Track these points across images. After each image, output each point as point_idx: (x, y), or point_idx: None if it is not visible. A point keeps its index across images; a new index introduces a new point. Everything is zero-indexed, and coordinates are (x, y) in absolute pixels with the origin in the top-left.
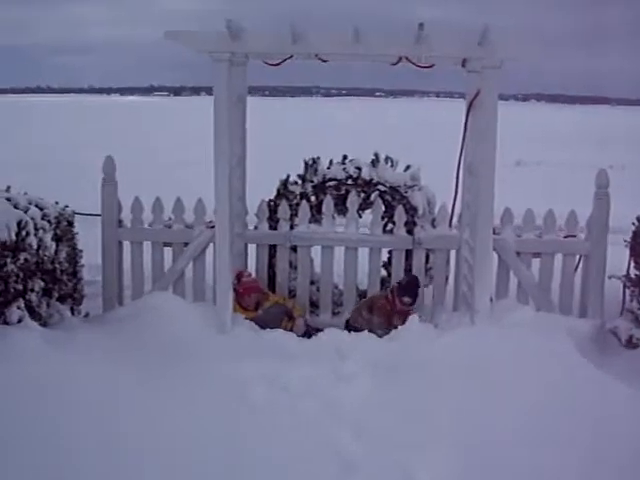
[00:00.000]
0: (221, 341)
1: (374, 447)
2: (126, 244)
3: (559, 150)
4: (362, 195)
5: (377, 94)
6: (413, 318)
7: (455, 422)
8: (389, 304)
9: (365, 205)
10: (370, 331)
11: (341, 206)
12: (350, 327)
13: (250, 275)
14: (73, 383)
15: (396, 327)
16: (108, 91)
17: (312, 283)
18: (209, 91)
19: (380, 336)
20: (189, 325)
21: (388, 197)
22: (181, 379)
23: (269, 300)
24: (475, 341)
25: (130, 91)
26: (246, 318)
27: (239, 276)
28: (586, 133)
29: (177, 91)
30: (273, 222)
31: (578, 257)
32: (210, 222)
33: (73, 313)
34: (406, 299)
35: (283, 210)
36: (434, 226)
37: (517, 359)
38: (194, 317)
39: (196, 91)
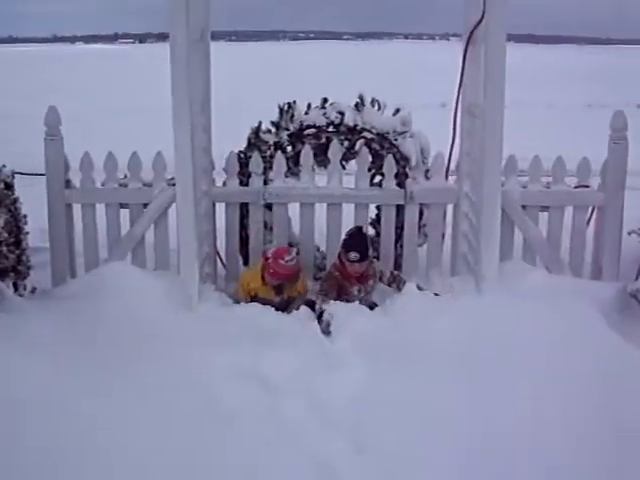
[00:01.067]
0: (187, 321)
1: (374, 463)
2: (76, 207)
3: (548, 91)
4: (345, 144)
5: (345, 37)
6: (410, 287)
7: (473, 426)
8: (338, 270)
9: (349, 155)
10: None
11: (322, 157)
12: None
13: (294, 259)
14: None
15: (361, 299)
16: (72, 40)
17: (290, 246)
18: None
19: None
20: (150, 302)
21: (375, 145)
22: (136, 378)
23: (296, 290)
24: (485, 314)
25: (94, 39)
26: (253, 297)
27: (281, 253)
28: (570, 72)
29: (142, 38)
30: (244, 177)
31: (590, 209)
32: (172, 179)
33: (17, 289)
34: (352, 254)
35: (255, 163)
36: (428, 178)
37: (538, 336)
38: (155, 291)
39: (162, 37)
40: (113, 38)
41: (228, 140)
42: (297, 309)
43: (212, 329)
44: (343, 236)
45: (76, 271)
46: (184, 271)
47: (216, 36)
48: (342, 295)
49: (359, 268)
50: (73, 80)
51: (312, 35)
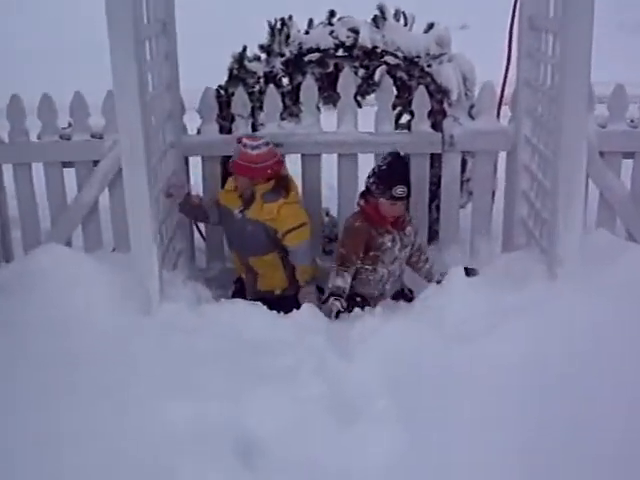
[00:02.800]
0: (139, 336)
1: None
2: (7, 168)
3: None
4: (361, 72)
5: None
6: (457, 271)
7: None
8: (365, 216)
9: (366, 88)
10: (356, 279)
11: (329, 91)
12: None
13: (260, 146)
14: None
15: (394, 259)
16: None
17: None
18: None
19: (370, 284)
20: (94, 303)
21: (402, 74)
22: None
23: (271, 212)
24: (571, 323)
25: None
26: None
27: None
28: None
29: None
30: (226, 122)
31: None
32: None
33: None
34: (398, 189)
35: (240, 101)
36: (472, 117)
37: None
38: (103, 287)
39: None
40: None
41: (205, 72)
42: (308, 299)
43: (172, 350)
44: (374, 167)
45: (13, 252)
46: (140, 263)
47: None
48: (370, 252)
49: (400, 209)
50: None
51: None
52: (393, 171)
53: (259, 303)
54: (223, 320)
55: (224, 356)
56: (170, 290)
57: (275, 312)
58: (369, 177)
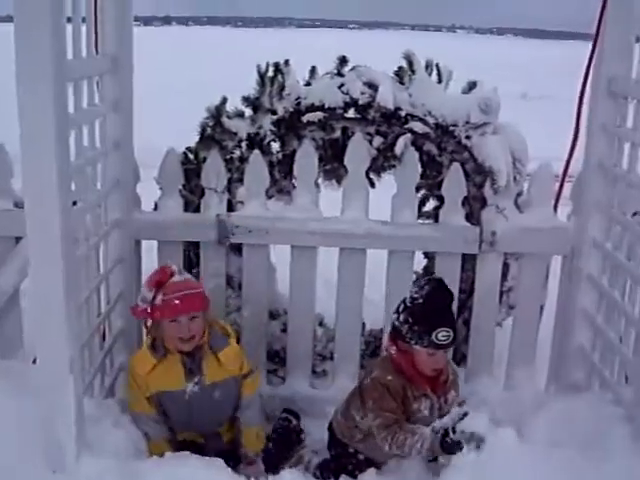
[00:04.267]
0: None
1: None
2: None
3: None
4: (378, 141)
5: (350, 26)
6: (508, 437)
7: None
8: (396, 368)
9: (383, 162)
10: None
11: (333, 163)
12: (334, 445)
13: (182, 273)
14: None
15: (437, 431)
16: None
17: (273, 317)
18: (180, 21)
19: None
20: None
21: (431, 146)
22: None
23: (228, 361)
24: None
25: None
26: (150, 397)
27: (161, 274)
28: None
29: (147, 21)
30: (193, 196)
31: None
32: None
33: None
34: (441, 333)
35: (213, 170)
36: (520, 208)
37: None
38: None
39: (167, 21)
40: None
41: (174, 129)
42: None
43: None
44: (406, 298)
45: None
46: (47, 398)
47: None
48: (396, 438)
49: (441, 361)
50: None
51: (317, 23)
52: (434, 307)
53: (221, 462)
54: None
55: None
56: (94, 434)
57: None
58: (398, 312)
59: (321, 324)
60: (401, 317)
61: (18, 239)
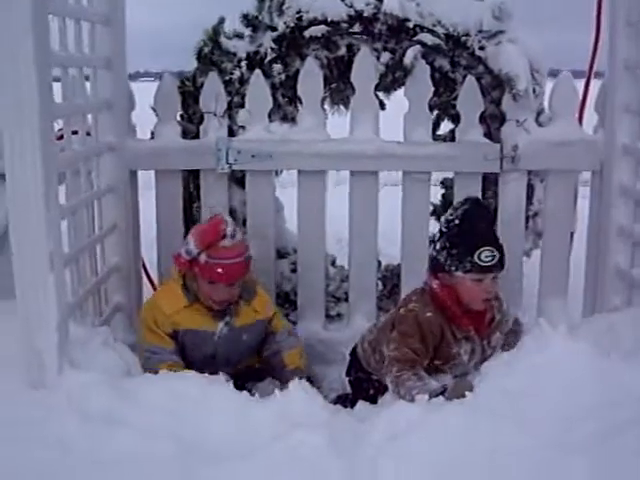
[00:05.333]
0: (18, 425)
1: None
2: None
3: None
4: (385, 57)
5: None
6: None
7: None
8: (437, 305)
9: (392, 79)
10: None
11: (339, 83)
12: (356, 370)
13: (236, 232)
14: None
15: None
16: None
17: (282, 256)
18: None
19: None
20: None
21: (443, 61)
22: None
23: (252, 309)
24: None
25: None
26: (174, 335)
27: (214, 228)
28: None
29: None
30: (191, 122)
31: None
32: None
33: None
34: (484, 253)
35: (211, 93)
36: (540, 123)
37: None
38: None
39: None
40: (135, 76)
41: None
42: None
43: (67, 458)
44: (441, 223)
45: None
46: (28, 312)
47: None
48: (432, 361)
49: (491, 287)
50: None
51: None
52: (472, 226)
53: (223, 378)
54: (157, 403)
55: (152, 472)
56: (81, 353)
57: (247, 394)
58: (434, 242)
59: (333, 264)
60: (438, 245)
61: (2, 176)
